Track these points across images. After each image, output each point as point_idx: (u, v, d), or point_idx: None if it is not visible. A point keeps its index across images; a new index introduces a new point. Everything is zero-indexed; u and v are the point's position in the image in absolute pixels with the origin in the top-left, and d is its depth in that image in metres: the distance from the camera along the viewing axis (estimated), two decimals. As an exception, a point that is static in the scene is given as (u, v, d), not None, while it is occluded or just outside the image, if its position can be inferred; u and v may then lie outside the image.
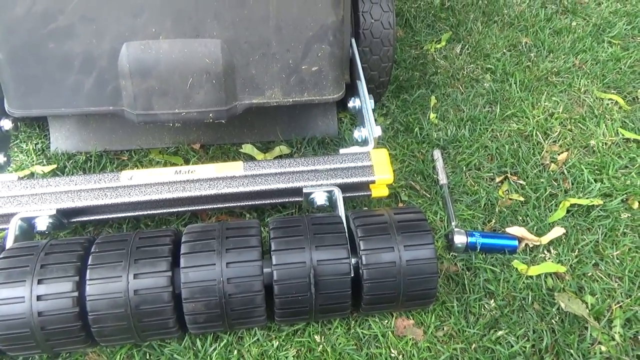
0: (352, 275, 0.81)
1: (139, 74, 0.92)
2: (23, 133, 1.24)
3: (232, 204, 0.97)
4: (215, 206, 0.97)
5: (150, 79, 0.93)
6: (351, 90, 1.16)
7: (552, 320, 0.89)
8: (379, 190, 0.99)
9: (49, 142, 1.19)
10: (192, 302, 0.76)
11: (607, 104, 1.38)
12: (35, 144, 1.21)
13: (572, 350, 0.85)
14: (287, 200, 0.98)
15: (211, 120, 0.97)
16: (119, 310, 0.74)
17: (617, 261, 0.99)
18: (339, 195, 0.92)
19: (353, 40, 1.18)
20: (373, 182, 0.96)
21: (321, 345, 0.84)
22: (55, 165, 1.14)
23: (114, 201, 0.89)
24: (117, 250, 0.78)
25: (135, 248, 0.79)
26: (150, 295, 0.75)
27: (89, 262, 0.76)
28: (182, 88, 0.94)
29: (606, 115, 1.34)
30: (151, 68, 0.92)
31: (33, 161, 1.17)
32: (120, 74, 0.93)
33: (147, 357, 0.83)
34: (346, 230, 0.84)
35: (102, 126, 1.19)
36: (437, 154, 1.20)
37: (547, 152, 1.23)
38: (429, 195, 1.12)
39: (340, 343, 0.85)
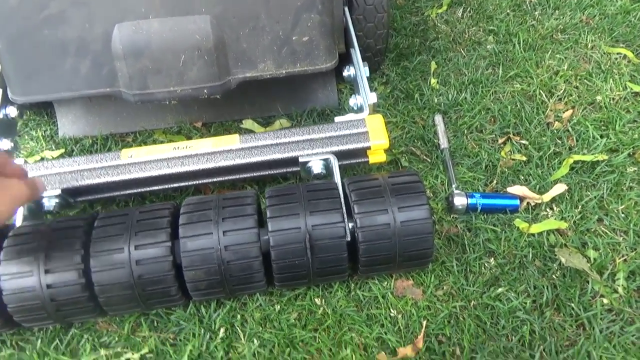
0: (349, 239, 0.82)
1: (132, 55, 0.94)
2: (32, 121, 1.28)
3: (232, 177, 0.99)
4: (215, 179, 0.99)
5: (144, 58, 0.95)
6: (347, 59, 1.16)
7: (553, 276, 0.89)
8: (377, 157, 0.99)
9: (57, 128, 1.23)
10: (192, 270, 0.79)
11: (615, 59, 1.34)
12: (44, 131, 1.25)
13: (572, 304, 0.84)
14: (284, 170, 0.99)
15: (206, 96, 0.99)
16: (123, 280, 0.78)
17: (622, 215, 0.98)
18: (334, 163, 0.93)
19: (346, 9, 1.17)
20: (369, 148, 0.96)
21: (322, 308, 0.86)
22: (63, 150, 1.18)
23: (115, 179, 0.92)
24: (119, 224, 0.81)
25: (135, 221, 0.81)
26: (152, 265, 0.78)
27: (92, 236, 0.79)
28: (175, 66, 0.96)
29: (614, 70, 1.30)
30: (143, 48, 0.94)
31: (42, 147, 1.21)
32: (115, 55, 0.95)
33: (155, 325, 0.87)
34: (342, 196, 0.86)
35: (106, 110, 1.22)
36: (438, 118, 1.19)
37: (551, 110, 1.21)
38: (429, 160, 1.12)
39: (341, 305, 0.87)
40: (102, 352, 0.82)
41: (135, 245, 0.78)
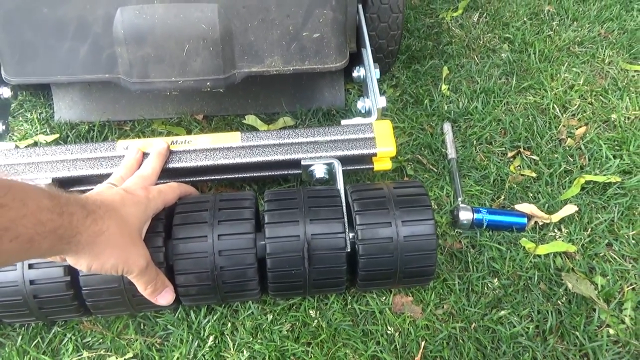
0: (349, 250, 0.78)
1: (134, 41, 0.90)
2: (28, 102, 1.24)
3: (231, 176, 0.95)
4: (213, 177, 0.95)
5: (146, 45, 0.90)
6: (357, 59, 1.11)
7: (559, 301, 0.85)
8: (382, 164, 0.95)
9: (53, 112, 1.18)
10: (183, 275, 0.75)
11: (633, 76, 1.30)
12: (40, 114, 1.20)
13: (577, 332, 0.81)
14: (286, 172, 0.95)
15: (209, 89, 0.94)
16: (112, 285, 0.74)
17: (633, 241, 0.94)
18: (338, 168, 0.89)
19: (360, 7, 1.12)
20: (375, 155, 0.92)
21: (316, 321, 0.83)
22: (57, 135, 1.14)
23: (109, 171, 0.87)
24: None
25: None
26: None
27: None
28: (178, 55, 0.92)
29: (631, 88, 1.26)
30: (146, 34, 0.90)
31: (37, 130, 1.16)
32: (115, 40, 0.90)
33: (142, 327, 0.83)
34: (344, 204, 0.82)
35: (105, 96, 1.18)
36: (447, 127, 1.15)
37: (564, 126, 1.17)
38: (435, 170, 1.08)
39: (336, 318, 0.83)
40: (85, 354, 0.79)
41: None
